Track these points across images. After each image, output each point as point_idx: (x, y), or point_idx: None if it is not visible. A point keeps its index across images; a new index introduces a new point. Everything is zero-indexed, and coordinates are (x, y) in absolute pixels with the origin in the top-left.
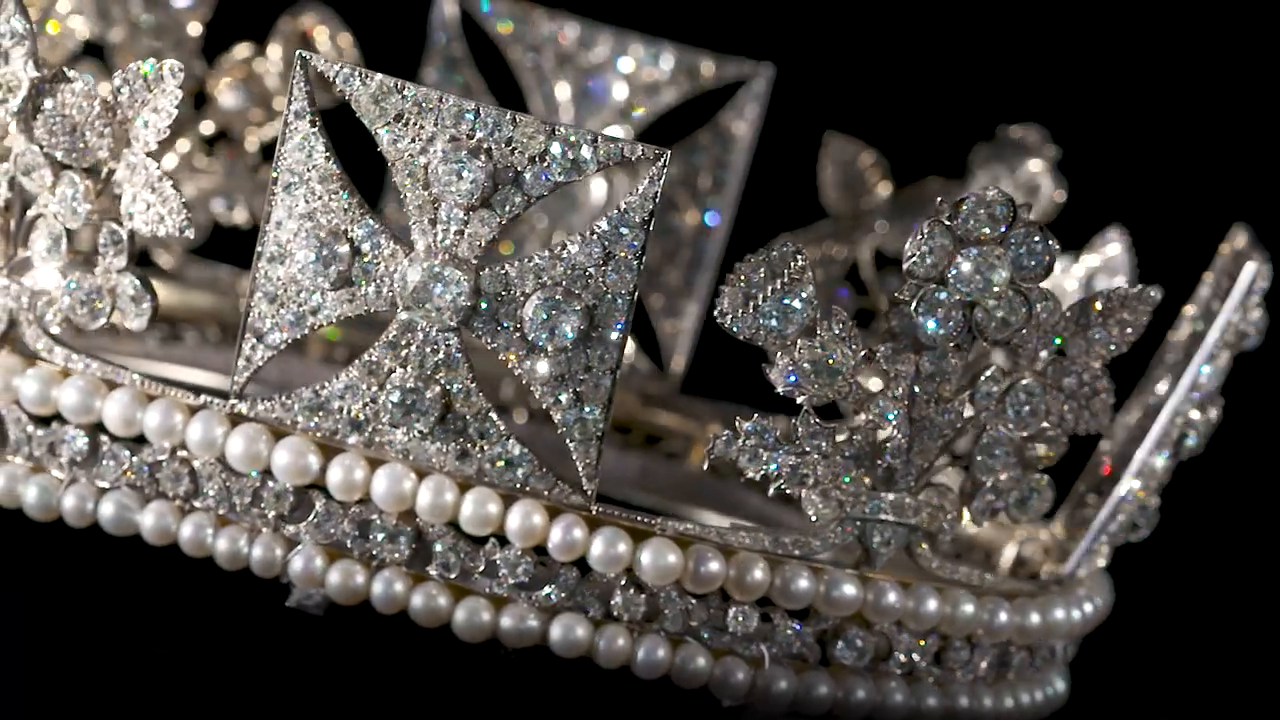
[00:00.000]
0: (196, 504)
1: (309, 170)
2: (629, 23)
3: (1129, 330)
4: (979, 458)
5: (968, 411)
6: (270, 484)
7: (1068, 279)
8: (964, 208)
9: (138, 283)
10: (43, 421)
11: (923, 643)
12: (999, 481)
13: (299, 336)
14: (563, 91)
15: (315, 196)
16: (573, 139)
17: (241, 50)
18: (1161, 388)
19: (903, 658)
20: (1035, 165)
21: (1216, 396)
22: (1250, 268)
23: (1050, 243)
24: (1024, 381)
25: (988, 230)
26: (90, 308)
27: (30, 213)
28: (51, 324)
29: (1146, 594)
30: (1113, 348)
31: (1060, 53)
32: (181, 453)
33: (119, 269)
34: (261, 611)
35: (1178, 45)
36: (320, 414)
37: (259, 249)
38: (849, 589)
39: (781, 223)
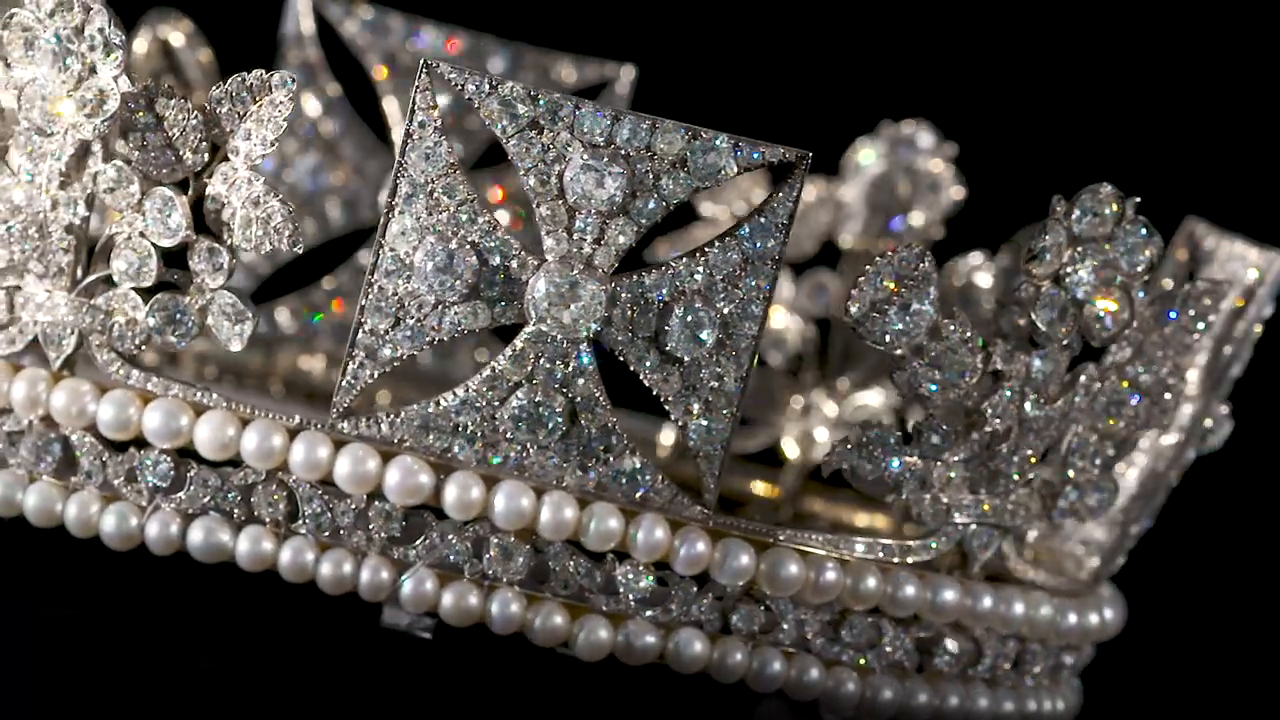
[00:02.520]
0: (295, 528)
1: (434, 180)
2: (486, 28)
3: (1206, 325)
4: (1069, 458)
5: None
6: (377, 505)
7: (979, 275)
8: (1077, 206)
9: (236, 301)
10: (117, 447)
11: (1007, 646)
12: (1083, 481)
13: (415, 353)
14: None
15: (440, 207)
16: (714, 143)
17: None
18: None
19: (989, 662)
20: (934, 164)
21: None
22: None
23: (1154, 240)
24: (1111, 380)
25: (1101, 229)
26: (178, 328)
27: (112, 230)
28: (129, 346)
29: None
30: (1189, 341)
31: (927, 47)
32: (279, 475)
33: (215, 287)
34: (309, 625)
35: (1041, 33)
36: (432, 432)
37: (373, 262)
38: (949, 594)
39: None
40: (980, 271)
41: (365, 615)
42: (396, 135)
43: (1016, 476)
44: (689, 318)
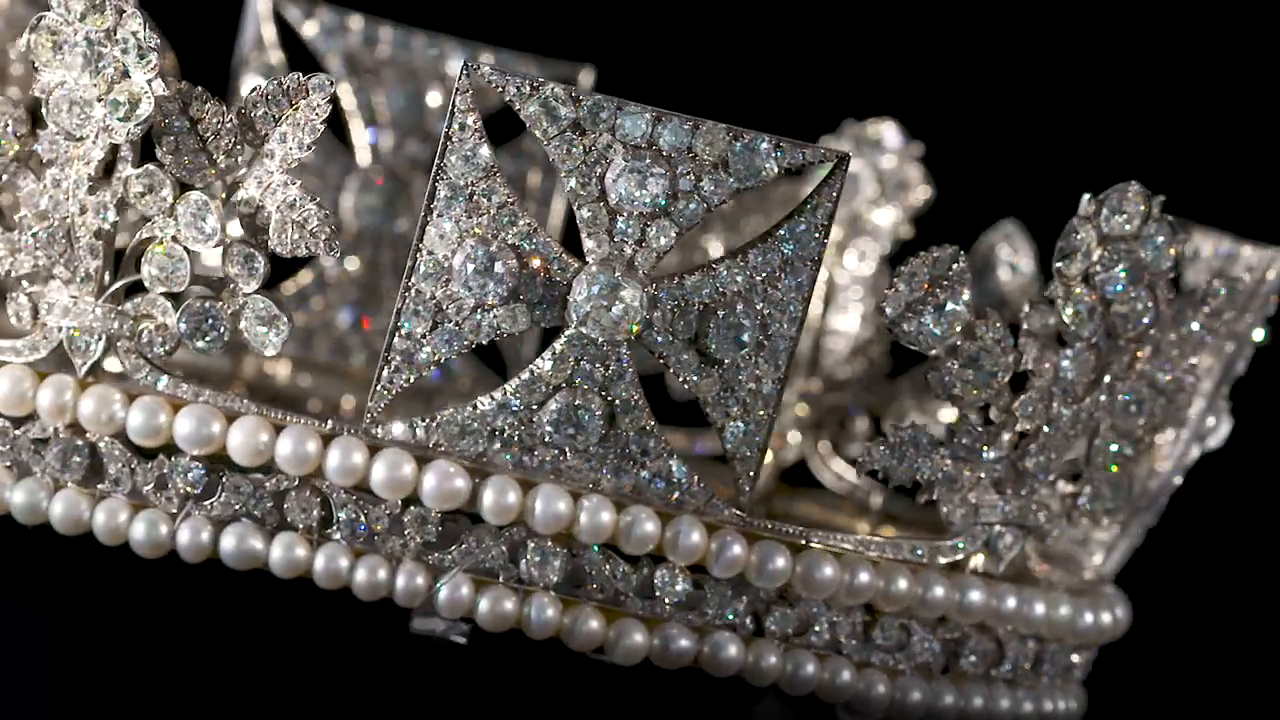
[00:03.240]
0: (329, 534)
1: (474, 183)
2: (445, 28)
3: (1223, 325)
4: (1092, 458)
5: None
6: (412, 510)
7: None
8: (1106, 205)
9: (271, 304)
10: (145, 454)
11: (1027, 646)
12: (1101, 481)
13: (455, 356)
14: (379, 99)
15: (480, 210)
16: (755, 145)
17: None
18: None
19: (1011, 663)
20: (901, 162)
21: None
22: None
23: (1179, 238)
24: (1132, 380)
25: (1128, 227)
26: (210, 333)
27: (143, 234)
28: (158, 352)
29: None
30: (1207, 340)
31: (891, 45)
32: (313, 481)
33: (249, 292)
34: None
35: (1008, 30)
36: (468, 436)
37: (410, 266)
38: (976, 595)
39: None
40: None
41: (383, 619)
42: (355, 137)
43: (1043, 477)
44: (729, 320)
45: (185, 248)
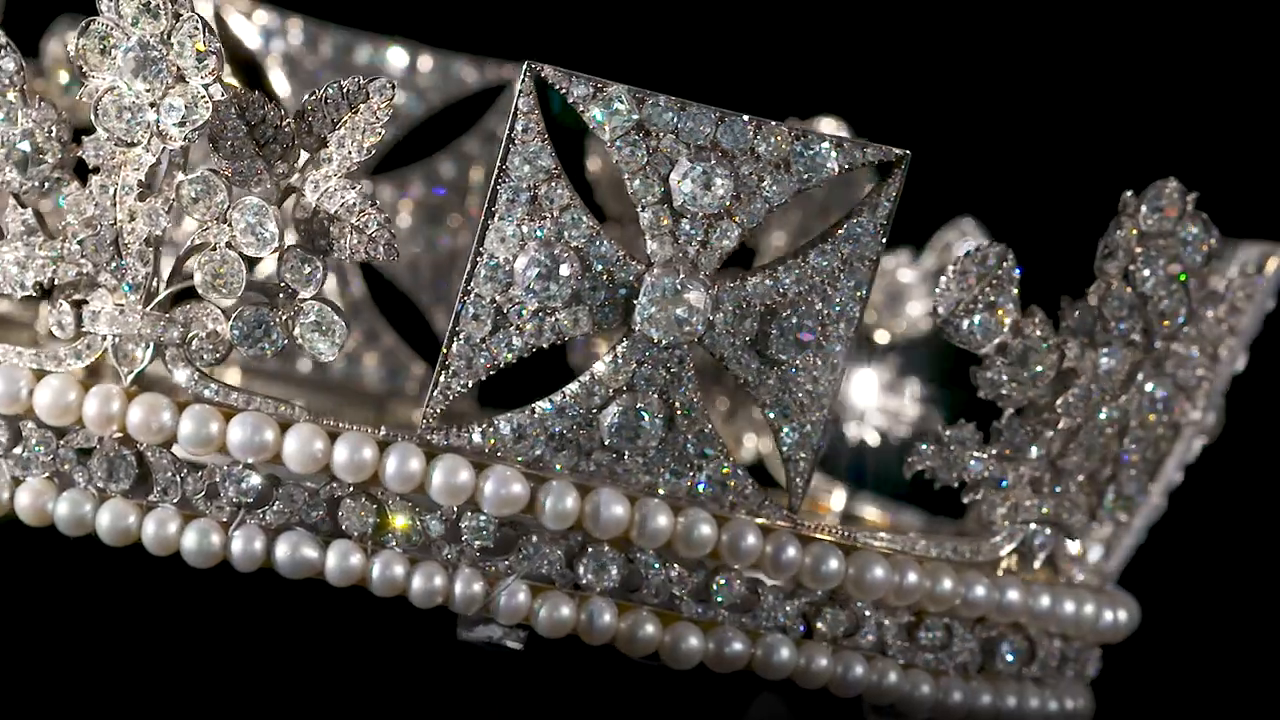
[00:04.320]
0: (384, 541)
1: (536, 185)
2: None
3: (1239, 320)
4: (1124, 457)
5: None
6: (469, 517)
7: (904, 272)
8: (1145, 203)
9: (327, 311)
10: (193, 463)
11: (1054, 645)
12: (1128, 480)
13: (514, 360)
14: None
15: (542, 212)
16: (817, 144)
17: None
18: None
19: (1040, 662)
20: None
21: None
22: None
23: (1212, 235)
24: (1160, 379)
25: (1165, 225)
26: (263, 340)
27: (196, 241)
28: (209, 360)
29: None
30: (1226, 335)
31: (836, 41)
32: (368, 488)
33: (305, 298)
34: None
35: (959, 26)
36: (525, 440)
37: (470, 270)
38: (1014, 594)
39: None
40: (905, 269)
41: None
42: None
43: (1078, 475)
44: (791, 322)
45: (240, 253)
